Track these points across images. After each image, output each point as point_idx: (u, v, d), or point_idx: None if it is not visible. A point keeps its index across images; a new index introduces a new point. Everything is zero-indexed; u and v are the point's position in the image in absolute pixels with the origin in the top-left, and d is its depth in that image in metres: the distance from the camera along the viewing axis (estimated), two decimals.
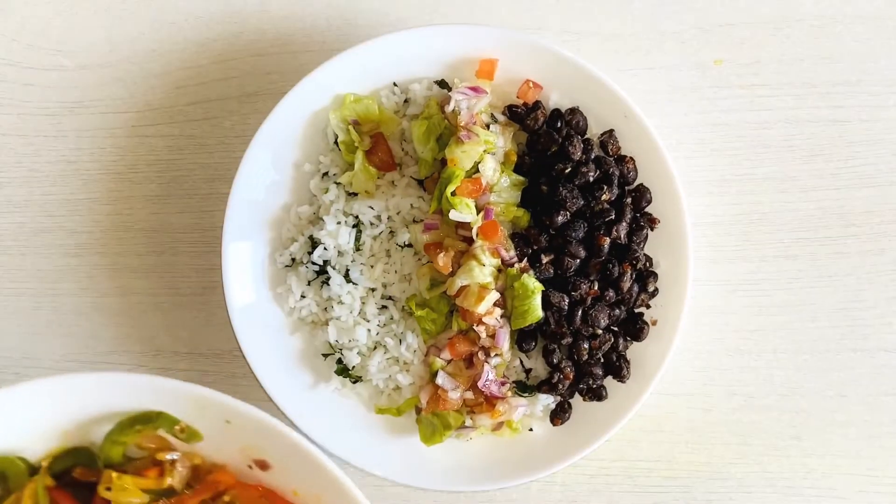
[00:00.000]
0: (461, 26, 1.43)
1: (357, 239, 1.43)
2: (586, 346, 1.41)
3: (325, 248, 1.43)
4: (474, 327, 1.40)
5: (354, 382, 1.45)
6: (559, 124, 1.43)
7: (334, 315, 1.43)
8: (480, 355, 1.41)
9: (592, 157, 1.42)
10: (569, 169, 1.41)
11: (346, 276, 1.43)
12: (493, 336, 1.40)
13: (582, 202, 1.40)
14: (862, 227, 1.52)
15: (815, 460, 1.50)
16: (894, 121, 1.53)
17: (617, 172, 1.42)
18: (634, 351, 1.43)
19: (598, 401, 1.43)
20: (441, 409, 1.40)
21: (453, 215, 1.38)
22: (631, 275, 1.41)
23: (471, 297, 1.38)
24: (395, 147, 1.46)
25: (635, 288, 1.42)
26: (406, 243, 1.43)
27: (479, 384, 1.39)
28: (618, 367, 1.42)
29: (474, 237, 1.39)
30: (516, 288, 1.39)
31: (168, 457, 1.22)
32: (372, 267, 1.44)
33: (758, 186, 1.53)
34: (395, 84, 1.46)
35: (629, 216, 1.42)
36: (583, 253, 1.41)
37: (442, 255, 1.39)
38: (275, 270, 1.46)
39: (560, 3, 1.54)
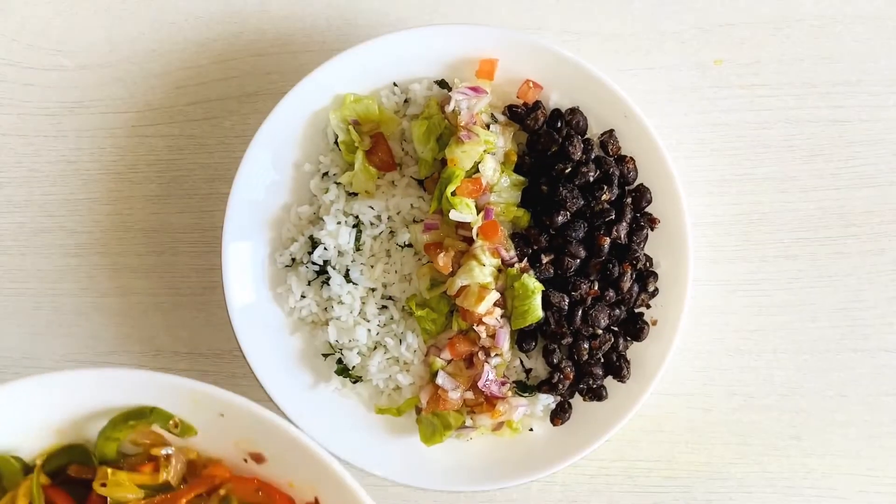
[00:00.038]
0: (461, 26, 1.43)
1: (357, 239, 1.43)
2: (586, 346, 1.41)
3: (325, 248, 1.43)
4: (474, 327, 1.40)
5: (354, 382, 1.45)
6: (559, 124, 1.43)
7: (334, 315, 1.43)
8: (480, 355, 1.41)
9: (592, 157, 1.42)
10: (569, 169, 1.41)
11: (347, 276, 1.43)
12: (493, 336, 1.40)
13: (582, 202, 1.40)
14: (862, 227, 1.52)
15: (815, 460, 1.50)
16: (894, 121, 1.53)
17: (617, 172, 1.42)
18: (634, 351, 1.43)
19: (598, 401, 1.43)
20: (441, 409, 1.40)
21: (453, 215, 1.38)
22: (631, 275, 1.41)
23: (471, 297, 1.38)
24: (395, 147, 1.46)
25: (635, 288, 1.42)
26: (406, 243, 1.43)
27: (480, 384, 1.39)
28: (618, 367, 1.42)
29: (474, 237, 1.39)
30: (516, 288, 1.39)
31: (163, 452, 1.22)
32: (372, 267, 1.44)
33: (758, 186, 1.53)
34: (395, 84, 1.46)
35: (629, 216, 1.42)
36: (583, 253, 1.41)
37: (442, 255, 1.39)
38: (275, 270, 1.46)
39: (560, 3, 1.54)
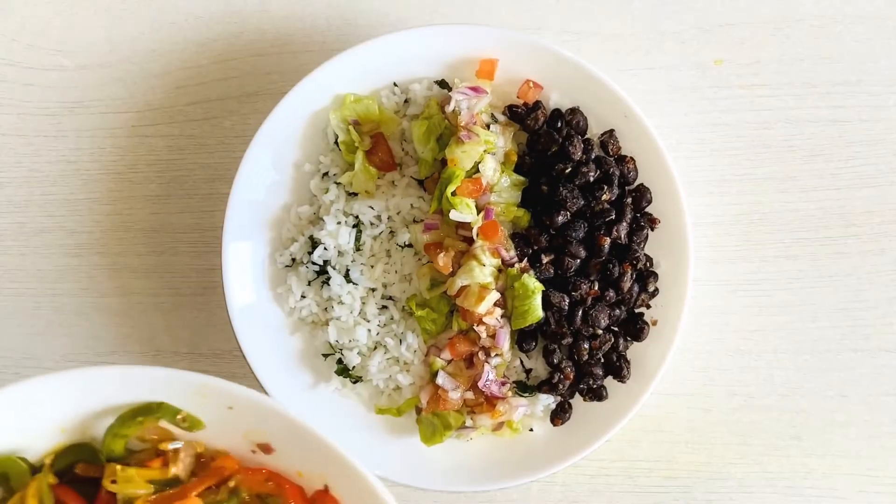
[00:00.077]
0: (461, 26, 1.43)
1: (357, 239, 1.43)
2: (586, 346, 1.41)
3: (325, 248, 1.43)
4: (474, 327, 1.40)
5: (355, 382, 1.45)
6: (559, 124, 1.43)
7: (334, 315, 1.43)
8: (481, 355, 1.41)
9: (593, 157, 1.42)
10: (569, 169, 1.41)
11: (347, 276, 1.43)
12: (493, 336, 1.40)
13: (582, 202, 1.40)
14: (862, 227, 1.52)
15: (816, 460, 1.50)
16: (894, 121, 1.53)
17: (617, 172, 1.42)
18: (635, 351, 1.43)
19: (598, 401, 1.43)
20: (441, 409, 1.40)
21: (453, 215, 1.38)
22: (631, 275, 1.41)
23: (471, 298, 1.38)
24: (395, 147, 1.46)
25: (635, 288, 1.42)
26: (406, 243, 1.43)
27: (480, 384, 1.39)
28: (618, 368, 1.42)
29: (475, 237, 1.39)
30: (517, 288, 1.39)
31: (171, 446, 1.22)
32: (372, 267, 1.44)
33: (758, 186, 1.53)
34: (395, 84, 1.46)
35: (629, 216, 1.42)
36: (583, 253, 1.41)
37: (442, 255, 1.39)
38: (275, 270, 1.46)
39: (560, 3, 1.54)
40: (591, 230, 1.41)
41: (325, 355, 1.46)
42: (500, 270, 1.41)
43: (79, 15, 1.55)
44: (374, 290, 1.44)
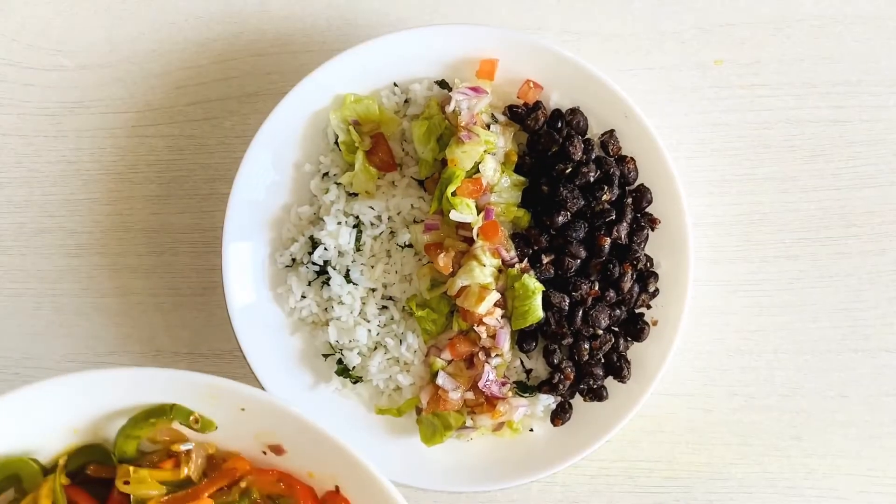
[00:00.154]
0: (461, 26, 1.43)
1: (357, 239, 1.43)
2: (587, 346, 1.41)
3: (325, 249, 1.43)
4: (475, 328, 1.40)
5: (355, 383, 1.45)
6: (560, 124, 1.43)
7: (335, 315, 1.43)
8: (481, 356, 1.40)
9: (593, 157, 1.42)
10: (569, 169, 1.41)
11: (347, 277, 1.43)
12: (493, 336, 1.40)
13: (582, 202, 1.40)
14: (863, 227, 1.52)
15: (816, 461, 1.50)
16: (895, 121, 1.52)
17: (617, 172, 1.42)
18: (635, 351, 1.43)
19: (598, 401, 1.43)
20: (441, 409, 1.40)
21: (454, 216, 1.38)
22: (631, 275, 1.41)
23: (471, 298, 1.38)
24: (395, 147, 1.46)
25: (636, 288, 1.42)
26: (406, 243, 1.43)
27: (480, 384, 1.39)
28: (618, 368, 1.42)
29: (475, 237, 1.39)
30: (517, 288, 1.39)
31: (183, 447, 1.23)
32: (372, 267, 1.44)
33: (758, 187, 1.53)
34: (395, 84, 1.46)
35: (630, 216, 1.42)
36: (583, 253, 1.41)
37: (442, 255, 1.39)
38: (275, 270, 1.46)
39: (560, 3, 1.54)
40: (591, 230, 1.41)
41: (326, 355, 1.46)
42: (500, 271, 1.41)
43: (79, 15, 1.55)
44: (374, 290, 1.44)
